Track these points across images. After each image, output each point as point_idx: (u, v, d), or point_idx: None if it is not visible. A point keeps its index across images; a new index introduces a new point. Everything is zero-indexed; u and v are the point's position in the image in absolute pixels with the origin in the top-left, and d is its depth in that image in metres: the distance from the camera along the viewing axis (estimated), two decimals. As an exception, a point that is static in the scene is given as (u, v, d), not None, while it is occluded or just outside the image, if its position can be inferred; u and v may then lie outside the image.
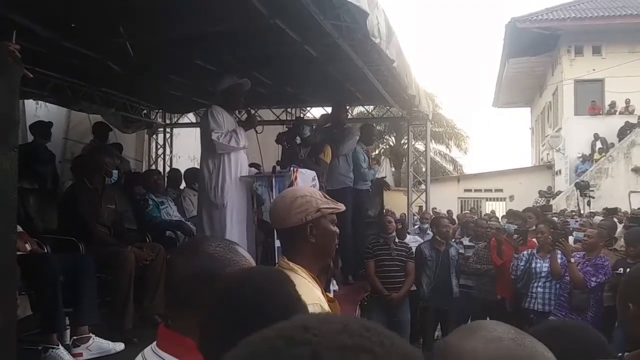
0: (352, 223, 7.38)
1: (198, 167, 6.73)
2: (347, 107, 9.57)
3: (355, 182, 7.86)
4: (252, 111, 6.34)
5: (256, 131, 5.95)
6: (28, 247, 4.43)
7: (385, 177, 12.89)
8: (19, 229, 4.03)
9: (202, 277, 1.43)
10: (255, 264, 1.56)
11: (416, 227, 10.41)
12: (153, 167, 11.07)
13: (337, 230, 2.18)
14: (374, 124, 10.50)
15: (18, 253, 3.71)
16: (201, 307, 1.33)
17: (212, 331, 1.20)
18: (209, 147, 5.62)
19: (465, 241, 8.55)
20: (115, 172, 5.44)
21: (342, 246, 6.43)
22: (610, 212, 12.32)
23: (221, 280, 1.38)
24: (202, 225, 5.74)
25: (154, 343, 1.48)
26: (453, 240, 8.24)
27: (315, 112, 11.03)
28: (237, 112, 6.20)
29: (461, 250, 7.86)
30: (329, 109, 9.85)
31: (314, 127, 8.19)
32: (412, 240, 8.48)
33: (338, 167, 7.57)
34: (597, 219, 10.51)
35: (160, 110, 11.16)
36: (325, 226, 2.12)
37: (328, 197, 2.20)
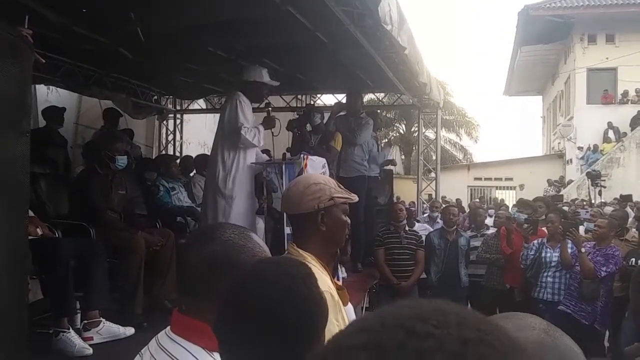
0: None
1: (208, 153, 6.70)
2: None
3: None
4: (271, 108, 6.18)
5: (272, 133, 5.88)
6: (39, 231, 4.45)
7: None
8: (31, 213, 4.05)
9: (216, 264, 1.44)
10: (269, 252, 1.56)
11: (425, 215, 10.40)
12: (163, 152, 11.09)
13: (349, 221, 2.18)
14: (379, 111, 10.40)
15: (30, 237, 3.74)
16: (216, 293, 1.35)
17: (227, 318, 1.21)
18: (229, 136, 5.52)
19: (468, 233, 8.33)
20: (124, 158, 5.42)
21: (352, 234, 6.42)
22: (625, 199, 12.24)
23: (236, 267, 1.40)
24: (206, 212, 5.73)
25: (168, 328, 1.50)
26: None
27: (326, 99, 11.00)
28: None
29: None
30: (339, 96, 9.82)
31: (324, 114, 8.14)
32: (422, 229, 8.46)
33: (353, 154, 7.47)
34: (608, 209, 10.45)
35: (171, 96, 11.17)
36: (337, 215, 2.12)
37: (342, 187, 2.20)
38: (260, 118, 5.87)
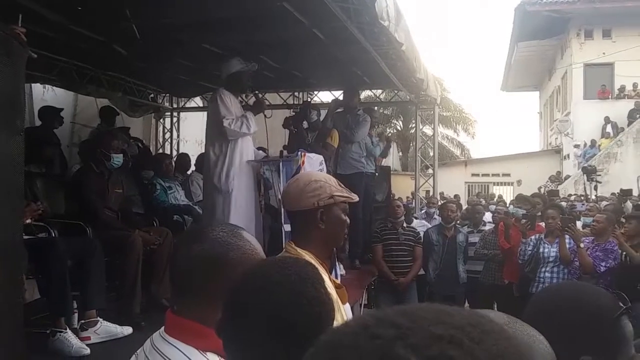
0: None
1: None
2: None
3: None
4: (260, 94, 6.26)
5: (265, 115, 5.89)
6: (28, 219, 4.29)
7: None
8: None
9: (204, 262, 1.43)
10: (262, 250, 1.55)
11: (423, 211, 10.38)
12: (160, 151, 11.06)
13: (348, 220, 2.18)
14: (376, 108, 10.37)
15: (26, 237, 3.72)
16: (207, 291, 1.38)
17: (232, 319, 1.20)
18: (217, 132, 5.55)
19: (465, 228, 8.32)
20: (119, 156, 5.40)
21: (351, 230, 6.40)
22: (625, 194, 12.23)
23: (225, 265, 1.41)
24: (206, 210, 5.73)
25: (162, 329, 1.49)
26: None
27: (323, 96, 10.98)
28: (243, 95, 6.12)
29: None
30: (336, 93, 9.79)
31: (321, 111, 8.11)
32: (419, 225, 8.46)
33: (350, 151, 7.46)
34: (604, 204, 10.43)
35: (167, 95, 11.13)
36: (336, 214, 2.12)
37: (343, 186, 2.19)
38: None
